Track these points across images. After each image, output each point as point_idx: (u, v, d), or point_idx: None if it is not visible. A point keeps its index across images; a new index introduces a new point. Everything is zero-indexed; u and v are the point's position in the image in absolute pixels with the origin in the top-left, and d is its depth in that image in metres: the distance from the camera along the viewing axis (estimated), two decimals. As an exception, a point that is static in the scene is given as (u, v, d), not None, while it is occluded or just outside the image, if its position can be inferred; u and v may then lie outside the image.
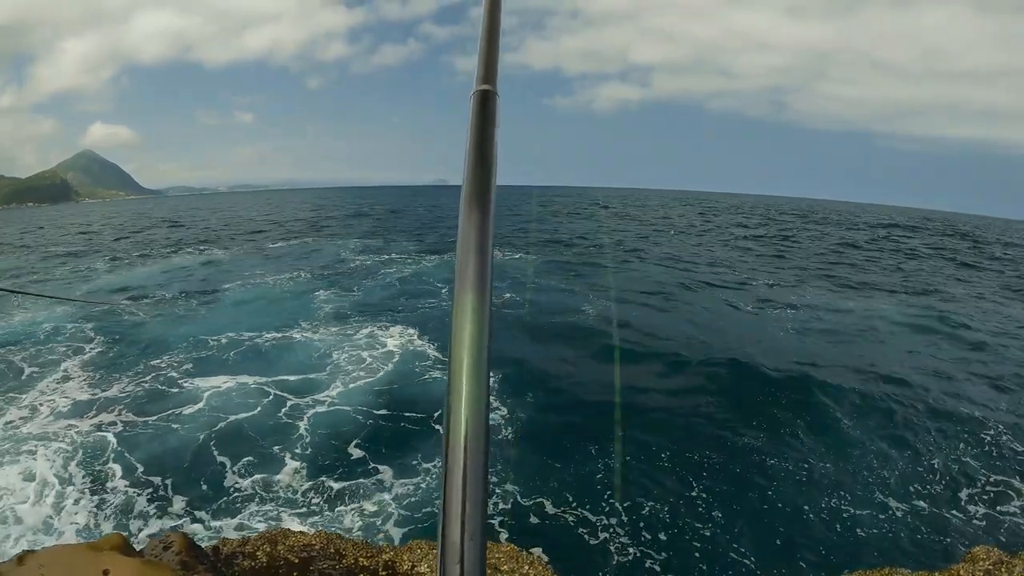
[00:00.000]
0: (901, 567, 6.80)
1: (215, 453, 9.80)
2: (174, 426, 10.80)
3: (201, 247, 37.48)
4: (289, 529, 5.18)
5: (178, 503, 8.43)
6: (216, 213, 79.30)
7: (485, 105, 0.92)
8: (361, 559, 4.98)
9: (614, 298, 21.44)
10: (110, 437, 10.32)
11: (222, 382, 12.76)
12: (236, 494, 8.65)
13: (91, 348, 15.28)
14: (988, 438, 10.83)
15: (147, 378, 13.10)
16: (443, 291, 21.65)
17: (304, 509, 8.22)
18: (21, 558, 4.05)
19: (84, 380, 13.05)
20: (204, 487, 8.83)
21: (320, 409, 11.46)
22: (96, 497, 8.53)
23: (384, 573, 4.98)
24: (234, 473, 9.21)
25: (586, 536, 7.78)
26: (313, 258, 31.09)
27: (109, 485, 8.85)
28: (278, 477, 9.11)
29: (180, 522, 7.94)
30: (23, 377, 13.18)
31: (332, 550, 4.93)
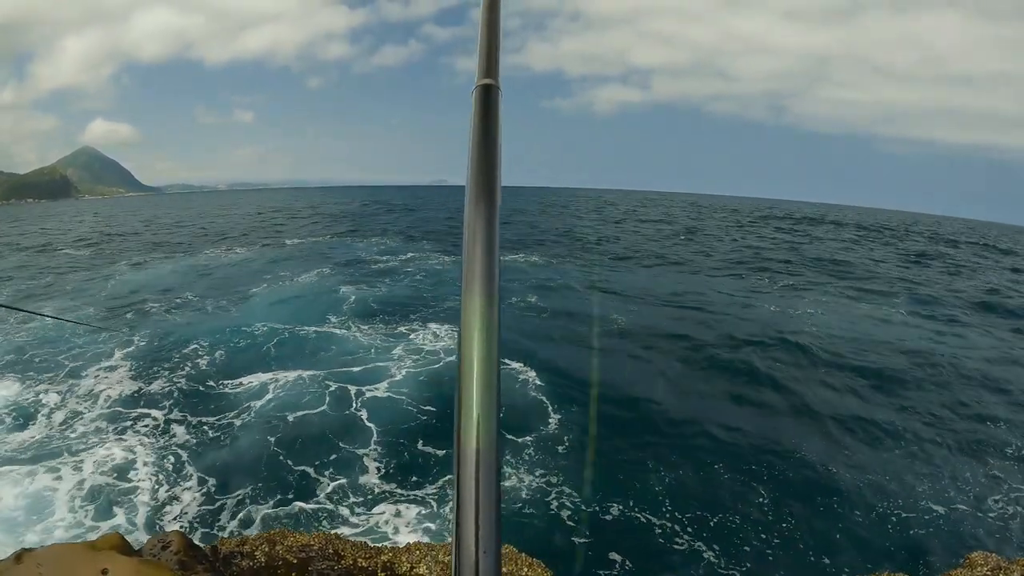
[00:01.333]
0: (900, 571, 6.83)
1: (288, 453, 10.02)
2: (240, 426, 11.05)
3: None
4: (287, 529, 5.18)
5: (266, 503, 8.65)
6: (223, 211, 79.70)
7: (487, 100, 0.89)
8: (360, 560, 4.97)
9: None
10: (184, 439, 10.53)
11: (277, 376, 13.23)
12: (322, 492, 8.93)
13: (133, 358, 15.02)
14: (991, 440, 10.88)
15: (200, 377, 13.28)
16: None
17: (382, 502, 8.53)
18: (19, 556, 4.03)
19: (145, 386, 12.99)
20: (292, 485, 9.09)
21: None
22: (187, 496, 8.77)
23: (383, 574, 4.97)
24: (318, 475, 9.47)
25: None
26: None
27: (191, 485, 9.05)
28: (358, 477, 9.38)
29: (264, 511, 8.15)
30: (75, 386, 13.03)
31: (331, 551, 4.92)
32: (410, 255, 31.58)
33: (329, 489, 9.03)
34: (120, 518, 8.26)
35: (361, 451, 10.08)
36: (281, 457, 9.88)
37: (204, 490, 8.96)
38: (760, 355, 15.24)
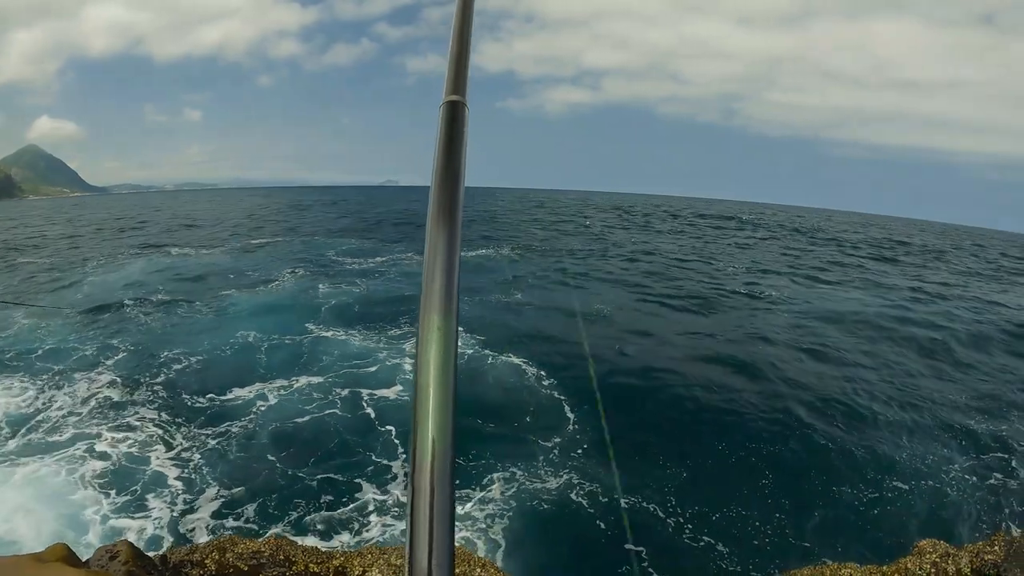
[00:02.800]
0: (849, 562, 7.10)
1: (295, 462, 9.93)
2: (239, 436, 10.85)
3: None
4: (237, 536, 5.23)
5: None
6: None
7: (454, 117, 0.89)
8: (311, 565, 5.06)
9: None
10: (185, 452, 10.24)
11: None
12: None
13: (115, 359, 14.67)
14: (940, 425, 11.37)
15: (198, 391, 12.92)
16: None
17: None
18: (-39, 570, 4.05)
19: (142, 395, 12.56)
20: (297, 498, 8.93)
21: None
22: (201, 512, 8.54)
23: (334, 578, 5.06)
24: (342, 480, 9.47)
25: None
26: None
27: (203, 502, 8.82)
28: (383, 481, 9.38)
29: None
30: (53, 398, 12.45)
31: (282, 557, 5.01)
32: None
33: (361, 495, 9.07)
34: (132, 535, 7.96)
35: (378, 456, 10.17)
36: (294, 467, 9.79)
37: (221, 505, 8.75)
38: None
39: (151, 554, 4.74)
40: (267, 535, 5.53)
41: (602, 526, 8.24)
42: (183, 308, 19.72)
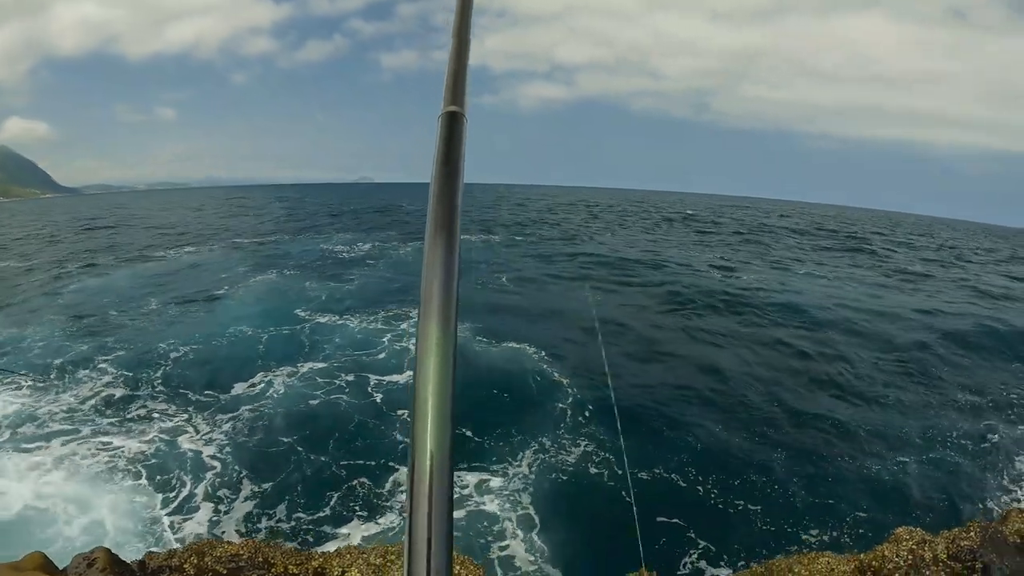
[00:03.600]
0: (826, 551, 7.16)
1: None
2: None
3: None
4: (216, 540, 5.28)
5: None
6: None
7: (452, 127, 0.89)
8: (290, 567, 5.10)
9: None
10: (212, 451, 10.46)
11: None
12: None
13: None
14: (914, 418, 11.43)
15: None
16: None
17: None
18: (-65, 581, 4.09)
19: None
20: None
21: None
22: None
23: (314, 579, 5.11)
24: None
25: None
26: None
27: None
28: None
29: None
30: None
31: (260, 559, 5.05)
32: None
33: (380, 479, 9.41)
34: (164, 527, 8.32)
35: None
36: (312, 451, 10.18)
37: (247, 498, 9.07)
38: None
39: (129, 560, 4.78)
40: (247, 538, 5.55)
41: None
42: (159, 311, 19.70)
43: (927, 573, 5.61)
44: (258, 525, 8.38)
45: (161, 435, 10.73)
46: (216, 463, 9.86)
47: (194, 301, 20.84)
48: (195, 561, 4.91)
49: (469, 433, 10.41)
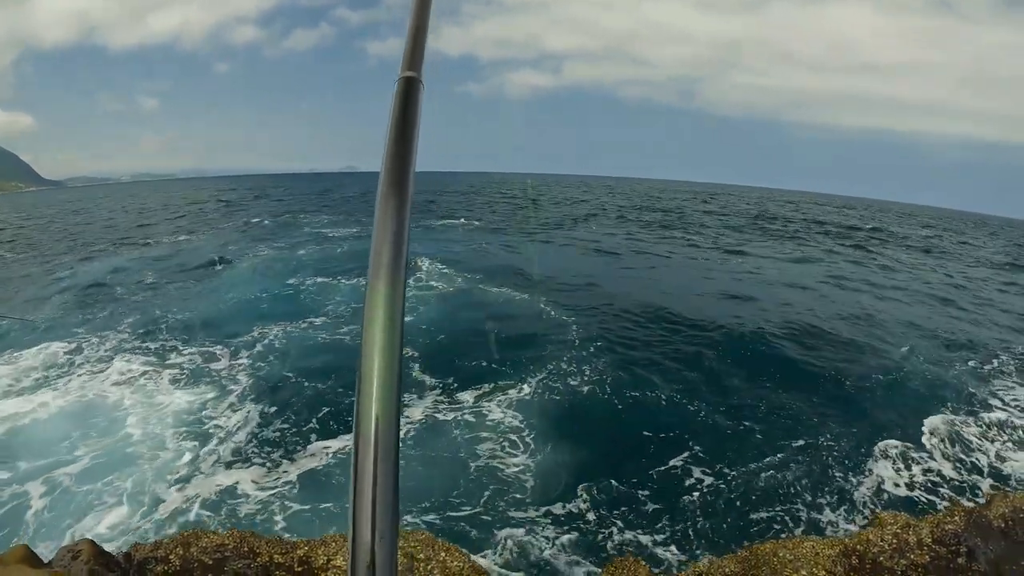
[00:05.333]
0: (811, 535, 7.19)
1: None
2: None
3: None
4: (202, 530, 5.32)
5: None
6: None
7: (408, 93, 0.90)
8: (276, 556, 5.14)
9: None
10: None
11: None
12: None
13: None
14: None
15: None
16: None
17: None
18: (-83, 576, 4.12)
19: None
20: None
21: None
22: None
23: (300, 569, 5.16)
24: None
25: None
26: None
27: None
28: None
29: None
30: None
31: (246, 549, 5.09)
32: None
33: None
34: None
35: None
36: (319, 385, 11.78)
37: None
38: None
39: (114, 552, 4.81)
40: (230, 528, 5.59)
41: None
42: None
43: (911, 556, 5.63)
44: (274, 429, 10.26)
45: (192, 363, 13.13)
46: (246, 376, 12.32)
47: (196, 271, 23.05)
48: (180, 552, 4.95)
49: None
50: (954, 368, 14.07)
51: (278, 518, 7.74)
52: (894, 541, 5.73)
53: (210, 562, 4.97)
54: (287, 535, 6.22)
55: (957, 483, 8.88)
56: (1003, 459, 9.76)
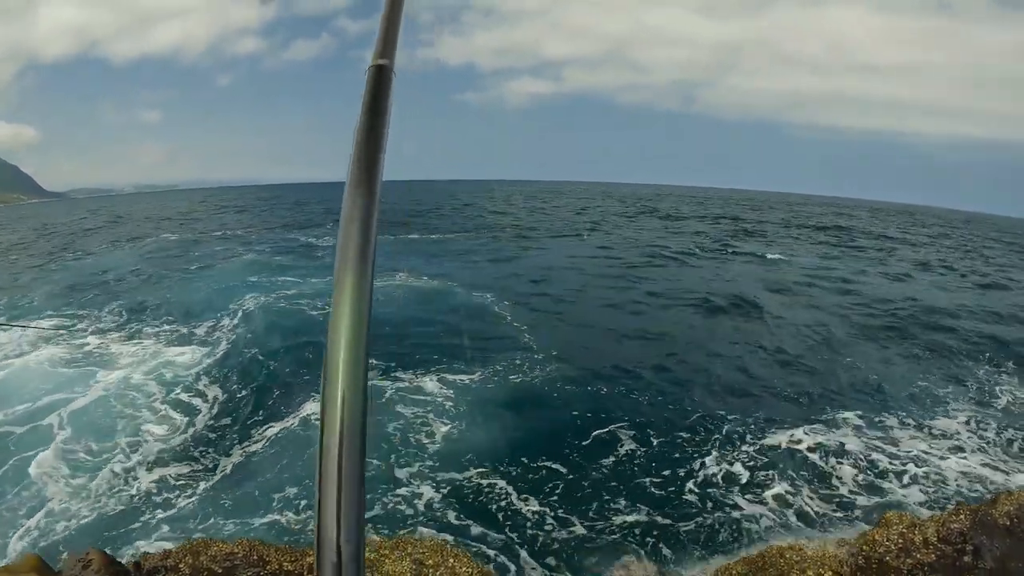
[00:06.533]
0: (818, 537, 7.20)
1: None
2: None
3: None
4: (211, 539, 5.33)
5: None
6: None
7: (379, 81, 0.89)
8: (285, 564, 5.16)
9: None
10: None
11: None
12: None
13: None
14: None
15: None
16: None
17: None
18: (-70, 587, 4.14)
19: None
20: None
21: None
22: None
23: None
24: None
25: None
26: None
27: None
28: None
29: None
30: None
31: (255, 557, 5.10)
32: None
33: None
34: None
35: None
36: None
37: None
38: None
39: (124, 561, 4.83)
40: (241, 537, 5.60)
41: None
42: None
43: (918, 555, 5.65)
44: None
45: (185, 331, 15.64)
46: (242, 328, 15.08)
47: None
48: (190, 561, 4.97)
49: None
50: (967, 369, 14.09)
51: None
52: (900, 541, 5.76)
53: (220, 571, 4.99)
54: (293, 542, 6.22)
55: (956, 482, 8.90)
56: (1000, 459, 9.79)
